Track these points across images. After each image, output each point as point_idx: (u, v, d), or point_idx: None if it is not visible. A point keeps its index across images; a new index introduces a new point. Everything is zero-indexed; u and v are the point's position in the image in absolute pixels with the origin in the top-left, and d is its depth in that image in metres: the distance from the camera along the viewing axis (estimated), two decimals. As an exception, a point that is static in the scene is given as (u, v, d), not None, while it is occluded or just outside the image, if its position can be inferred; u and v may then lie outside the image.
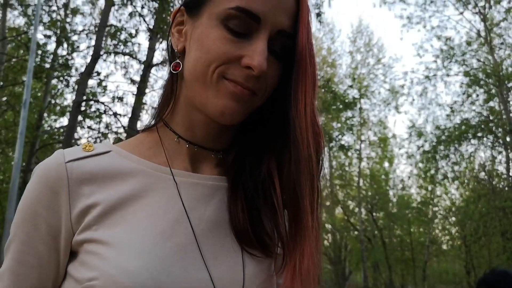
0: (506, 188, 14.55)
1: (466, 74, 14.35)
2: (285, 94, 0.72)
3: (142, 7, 9.56)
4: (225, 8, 0.67)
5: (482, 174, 15.90)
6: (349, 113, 18.08)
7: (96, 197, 0.68)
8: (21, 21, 13.15)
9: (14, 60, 11.66)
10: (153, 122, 0.81)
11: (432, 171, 15.54)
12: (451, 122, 14.78)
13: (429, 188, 18.67)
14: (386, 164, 21.56)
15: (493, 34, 14.54)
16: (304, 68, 0.70)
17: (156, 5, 8.92)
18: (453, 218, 19.23)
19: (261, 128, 0.77)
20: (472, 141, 14.44)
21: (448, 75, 14.98)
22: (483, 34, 14.66)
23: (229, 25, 0.68)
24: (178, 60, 0.75)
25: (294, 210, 0.70)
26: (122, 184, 0.70)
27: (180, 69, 0.74)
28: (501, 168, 15.49)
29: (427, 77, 15.21)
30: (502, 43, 14.68)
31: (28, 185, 0.71)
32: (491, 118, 13.88)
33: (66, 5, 11.78)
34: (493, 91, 13.96)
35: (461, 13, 15.10)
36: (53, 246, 0.69)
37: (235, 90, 0.68)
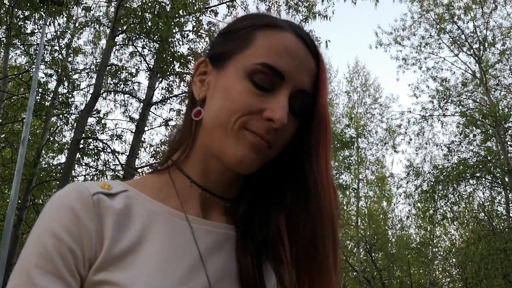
0: (507, 230, 14.42)
1: (463, 114, 14.48)
2: (298, 149, 0.76)
3: (143, 47, 9.74)
4: (252, 63, 0.72)
5: (482, 215, 15.81)
6: (347, 152, 18.12)
7: (114, 235, 0.67)
8: (22, 59, 13.33)
9: (14, 97, 11.76)
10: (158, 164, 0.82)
11: (431, 211, 15.44)
12: (449, 162, 14.80)
13: (429, 228, 18.52)
14: (384, 204, 21.47)
15: (488, 76, 14.77)
16: (324, 127, 0.74)
17: (157, 45, 9.08)
18: (454, 260, 18.99)
19: (268, 179, 0.79)
20: (471, 181, 14.42)
21: (444, 115, 15.11)
22: (478, 75, 14.89)
23: (255, 79, 0.71)
24: (199, 108, 0.77)
25: (317, 266, 0.71)
26: (140, 225, 0.70)
27: (201, 116, 0.76)
28: (501, 209, 15.42)
29: (423, 117, 15.33)
30: (497, 84, 14.90)
31: (48, 212, 0.67)
32: (489, 158, 13.91)
33: (68, 45, 11.98)
34: (490, 131, 14.05)
35: (456, 55, 15.39)
36: (80, 282, 0.65)
37: (254, 141, 0.70)
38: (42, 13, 8.79)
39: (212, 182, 0.77)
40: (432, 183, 14.67)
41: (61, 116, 11.81)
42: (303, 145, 0.75)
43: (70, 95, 11.56)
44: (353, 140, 17.81)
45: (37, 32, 10.94)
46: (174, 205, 0.74)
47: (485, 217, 15.37)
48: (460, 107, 14.86)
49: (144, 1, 8.84)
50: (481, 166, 13.80)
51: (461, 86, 15.02)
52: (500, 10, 15.00)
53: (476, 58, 14.84)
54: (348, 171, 18.74)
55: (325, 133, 0.74)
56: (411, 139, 16.03)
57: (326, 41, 9.93)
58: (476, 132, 14.33)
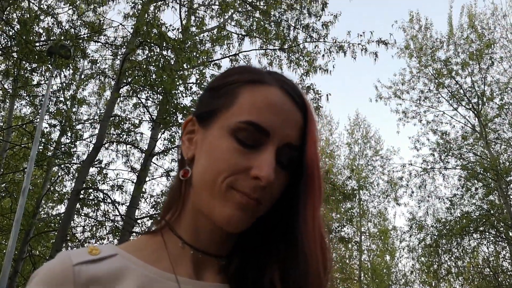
0: (513, 286, 14.06)
1: (464, 168, 14.46)
2: (289, 202, 0.75)
3: (147, 99, 9.88)
4: (236, 121, 0.71)
5: (487, 270, 15.45)
6: (348, 204, 17.97)
7: None
8: (27, 110, 13.51)
9: (16, 147, 11.82)
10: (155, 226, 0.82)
11: (435, 266, 15.12)
12: (452, 215, 14.64)
13: (433, 283, 18.07)
14: (388, 257, 21.04)
15: (488, 129, 14.86)
16: (312, 182, 0.73)
17: (160, 97, 9.22)
18: (461, 318, 18.40)
19: (262, 235, 0.78)
20: (474, 235, 14.21)
21: (446, 168, 15.10)
22: (478, 129, 14.99)
23: (239, 137, 0.70)
24: (187, 167, 0.76)
25: None
26: None
27: (189, 175, 0.76)
28: (506, 264, 15.09)
29: (425, 169, 15.32)
30: (497, 138, 14.97)
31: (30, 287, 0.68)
32: (492, 212, 13.77)
33: (73, 96, 12.18)
34: (492, 185, 13.99)
35: (455, 109, 15.56)
36: None
37: (241, 201, 0.69)
38: (49, 65, 9.00)
39: (203, 241, 0.76)
40: (435, 237, 14.46)
41: (62, 166, 11.82)
42: (293, 199, 0.74)
43: (73, 145, 11.62)
44: (355, 192, 17.71)
45: (43, 84, 11.15)
46: (165, 267, 0.73)
47: (491, 273, 15.02)
48: (461, 160, 14.88)
49: (149, 54, 9.06)
50: (484, 220, 13.63)
51: (461, 139, 15.11)
52: (497, 66, 15.28)
53: (475, 112, 15.00)
54: (350, 223, 18.50)
55: (313, 189, 0.73)
56: (413, 192, 15.96)
57: (327, 95, 10.10)
58: (478, 186, 14.26)
